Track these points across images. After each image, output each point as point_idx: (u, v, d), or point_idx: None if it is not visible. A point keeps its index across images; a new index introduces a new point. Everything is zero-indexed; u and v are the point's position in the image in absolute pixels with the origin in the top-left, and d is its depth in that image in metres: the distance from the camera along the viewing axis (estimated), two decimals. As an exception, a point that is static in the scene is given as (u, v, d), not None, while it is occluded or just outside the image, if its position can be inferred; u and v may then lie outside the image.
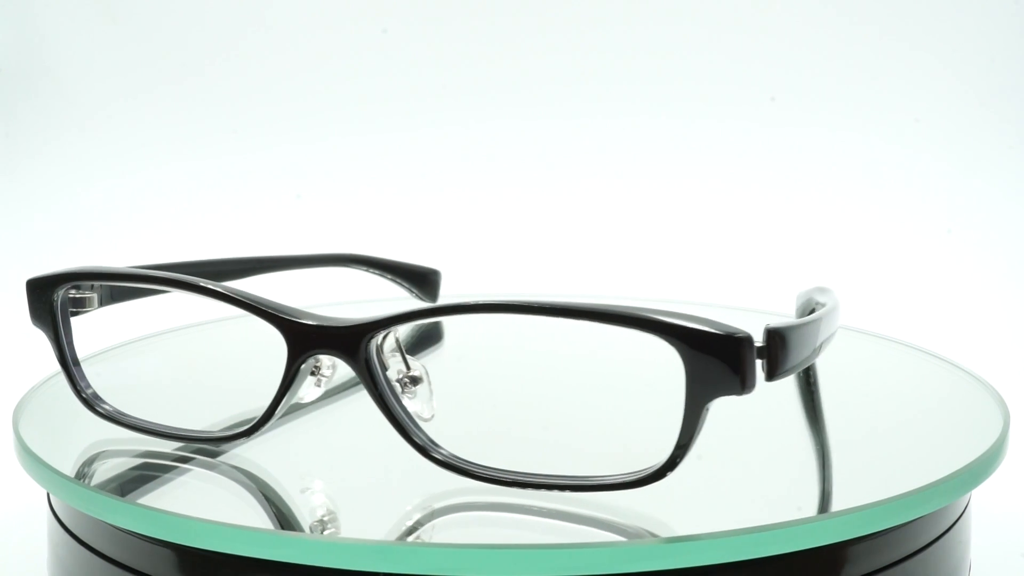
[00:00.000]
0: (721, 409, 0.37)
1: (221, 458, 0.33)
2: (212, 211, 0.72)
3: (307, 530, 0.29)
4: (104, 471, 0.33)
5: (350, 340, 0.30)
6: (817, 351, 0.31)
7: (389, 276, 0.50)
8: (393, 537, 0.28)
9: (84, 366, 0.35)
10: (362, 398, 0.31)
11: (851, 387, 0.39)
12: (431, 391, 0.31)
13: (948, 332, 0.61)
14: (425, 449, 0.30)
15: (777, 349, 0.28)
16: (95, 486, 0.31)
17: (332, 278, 0.51)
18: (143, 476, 0.33)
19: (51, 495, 0.33)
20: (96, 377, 0.35)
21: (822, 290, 0.39)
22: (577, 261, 0.70)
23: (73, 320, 0.34)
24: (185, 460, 0.33)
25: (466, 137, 0.75)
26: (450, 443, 0.30)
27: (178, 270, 0.39)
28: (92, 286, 0.35)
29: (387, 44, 0.75)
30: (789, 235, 0.71)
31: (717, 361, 0.27)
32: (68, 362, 0.34)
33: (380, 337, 0.30)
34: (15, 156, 0.73)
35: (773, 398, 0.39)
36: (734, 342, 0.27)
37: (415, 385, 0.31)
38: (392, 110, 0.75)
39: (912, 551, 0.31)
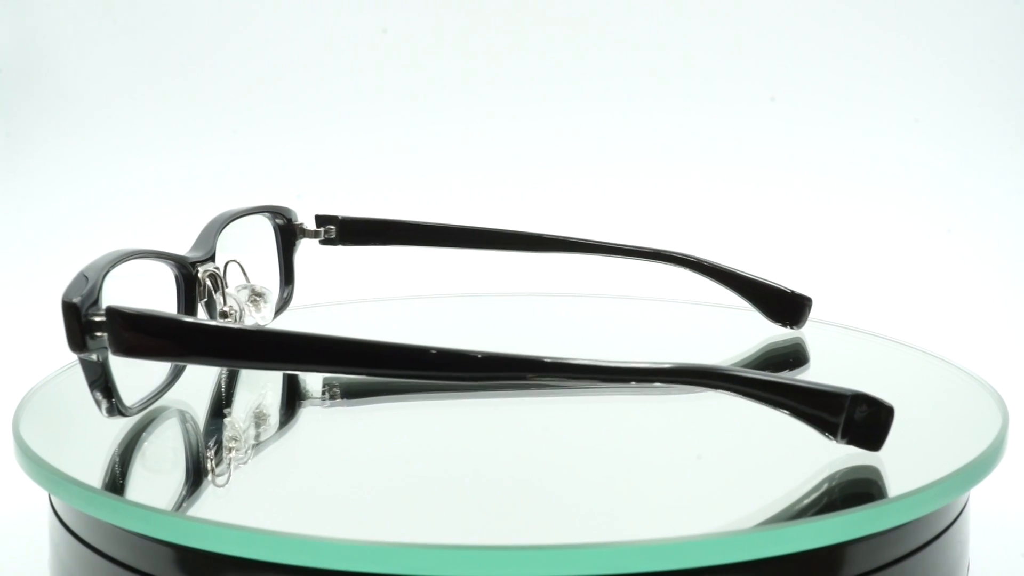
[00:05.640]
0: (720, 410, 0.37)
1: (223, 457, 0.33)
2: (212, 211, 0.72)
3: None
4: (104, 471, 0.33)
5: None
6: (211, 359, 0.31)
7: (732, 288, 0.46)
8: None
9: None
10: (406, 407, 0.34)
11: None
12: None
13: (948, 332, 0.61)
14: None
15: (113, 328, 0.30)
16: (95, 486, 0.31)
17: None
18: (143, 475, 0.33)
19: (52, 495, 0.33)
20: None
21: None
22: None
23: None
24: (186, 459, 0.34)
25: (466, 137, 0.75)
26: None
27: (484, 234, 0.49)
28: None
29: (387, 44, 0.75)
30: (789, 235, 0.71)
31: None
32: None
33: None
34: (15, 156, 0.73)
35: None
36: (67, 307, 0.31)
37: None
38: (392, 109, 0.75)
39: (911, 550, 0.31)
